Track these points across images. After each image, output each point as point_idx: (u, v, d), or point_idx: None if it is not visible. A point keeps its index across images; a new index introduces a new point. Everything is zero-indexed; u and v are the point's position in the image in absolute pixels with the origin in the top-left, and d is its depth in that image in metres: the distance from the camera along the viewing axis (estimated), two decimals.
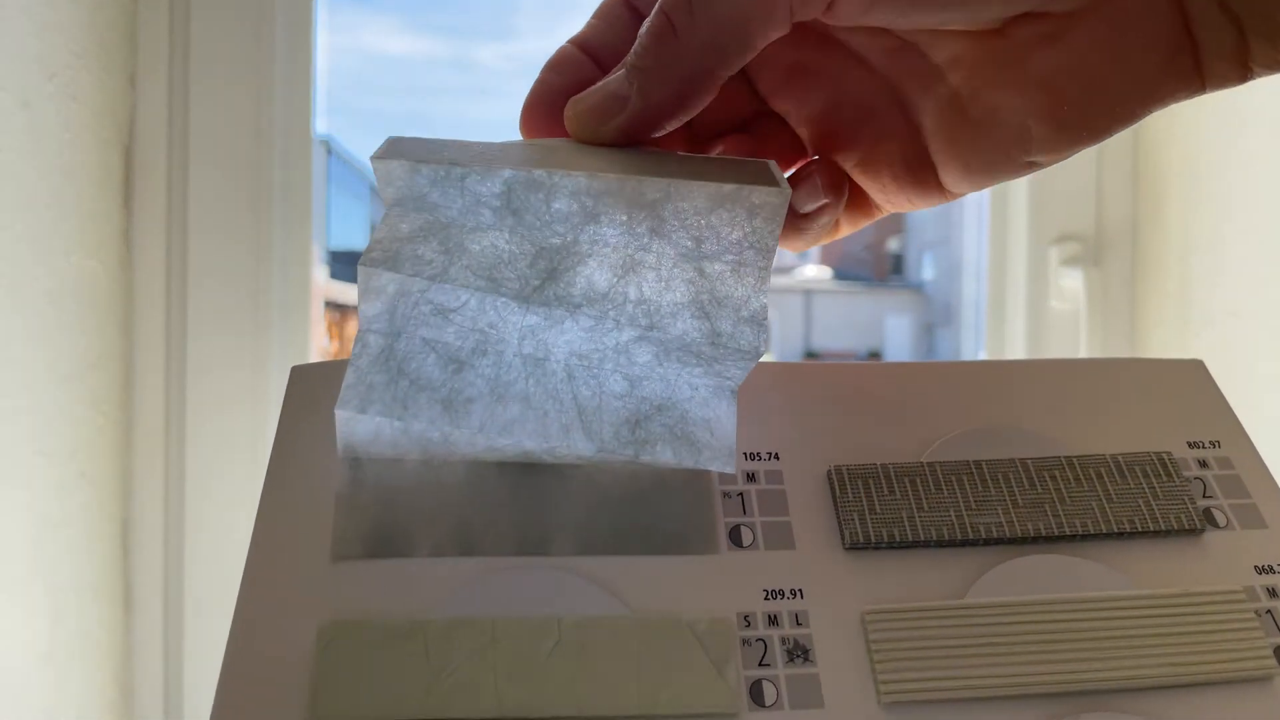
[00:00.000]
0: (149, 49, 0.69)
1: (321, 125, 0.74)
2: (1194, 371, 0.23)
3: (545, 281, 0.18)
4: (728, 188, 0.18)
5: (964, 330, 0.98)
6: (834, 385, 0.22)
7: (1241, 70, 0.18)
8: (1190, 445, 0.21)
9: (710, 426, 0.19)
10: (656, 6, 0.19)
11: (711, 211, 0.18)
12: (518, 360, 0.18)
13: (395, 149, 0.19)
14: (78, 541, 0.63)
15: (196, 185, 0.70)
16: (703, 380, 0.19)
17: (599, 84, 0.20)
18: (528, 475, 0.19)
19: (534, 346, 0.18)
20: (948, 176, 0.21)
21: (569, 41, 0.22)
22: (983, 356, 0.79)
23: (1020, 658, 0.17)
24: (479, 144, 0.20)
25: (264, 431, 0.71)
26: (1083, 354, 0.73)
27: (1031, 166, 0.20)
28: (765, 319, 0.19)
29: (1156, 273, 0.73)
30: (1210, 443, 0.21)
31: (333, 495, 0.19)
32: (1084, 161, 0.73)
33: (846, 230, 0.24)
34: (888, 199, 0.23)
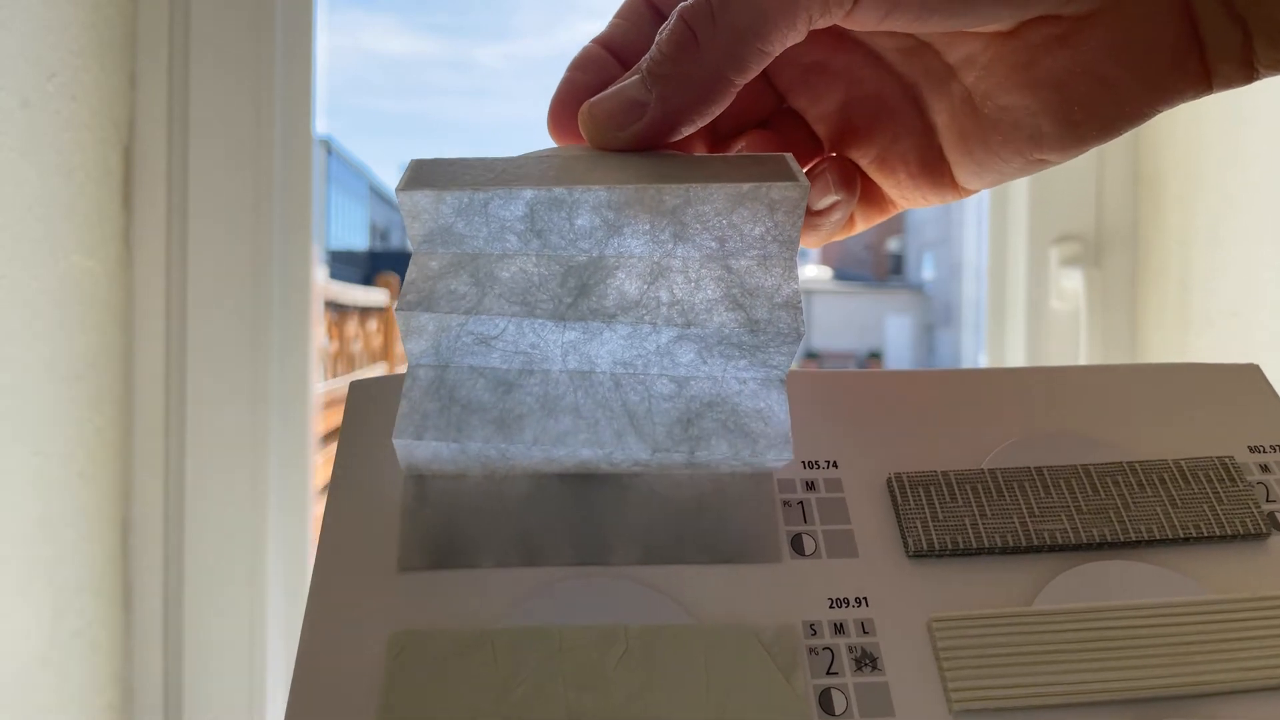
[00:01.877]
0: (149, 49, 0.69)
1: (321, 125, 0.74)
2: (1250, 375, 0.23)
3: (578, 298, 0.19)
4: (746, 186, 0.19)
5: (964, 330, 0.98)
6: (889, 393, 0.22)
7: (1247, 71, 0.19)
8: (1251, 450, 0.21)
9: (763, 416, 0.19)
10: (676, 14, 0.19)
11: (732, 211, 0.19)
12: (564, 375, 0.19)
13: (419, 176, 0.19)
14: (77, 542, 0.63)
15: (196, 185, 0.70)
16: (749, 373, 0.19)
17: (613, 89, 0.20)
18: (588, 486, 0.19)
19: (578, 360, 0.19)
20: (961, 173, 0.22)
21: (593, 41, 0.22)
22: (983, 357, 0.79)
23: (1090, 664, 0.17)
24: (499, 160, 0.20)
25: (264, 431, 0.71)
26: (1083, 354, 0.73)
27: (1043, 164, 0.21)
28: (799, 304, 0.19)
29: (1156, 273, 0.73)
30: (1271, 447, 0.21)
31: (396, 507, 0.19)
32: (1084, 162, 0.73)
33: (862, 226, 0.24)
34: (902, 195, 0.23)
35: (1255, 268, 0.63)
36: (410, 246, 0.20)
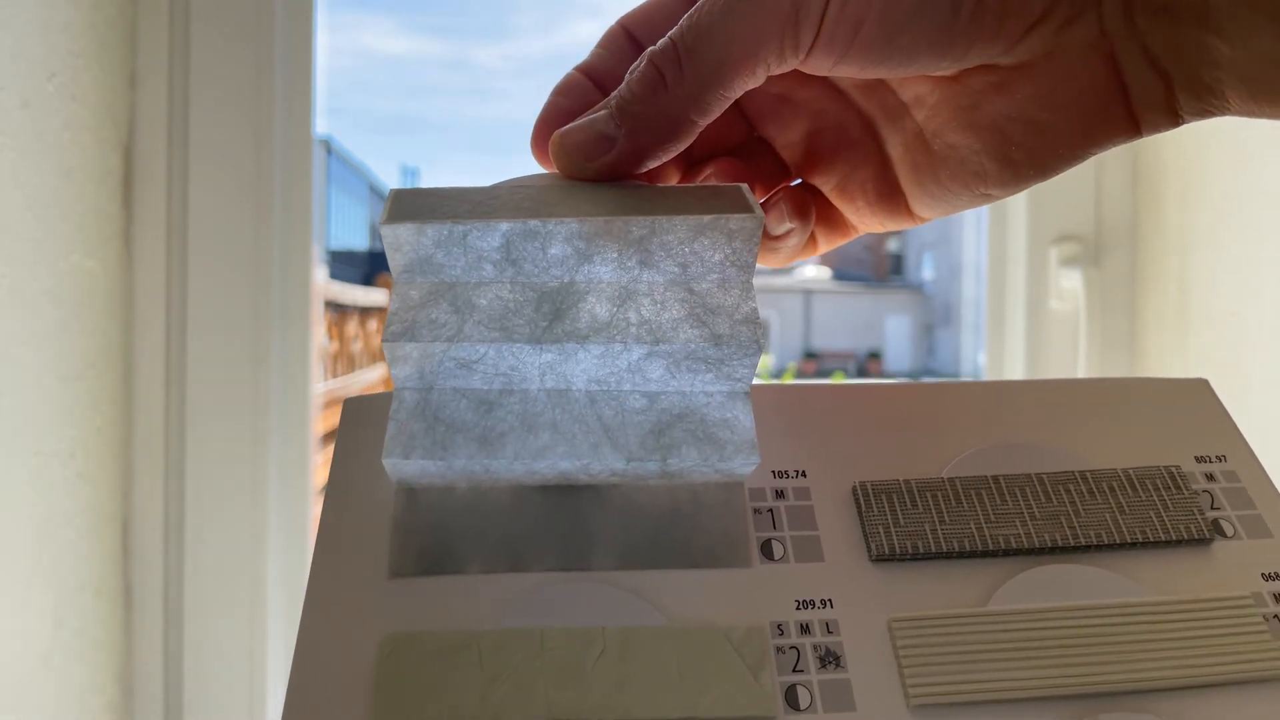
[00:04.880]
0: (149, 49, 0.69)
1: (321, 125, 0.74)
2: (1199, 389, 0.24)
3: (552, 322, 0.20)
4: (706, 218, 0.20)
5: (964, 330, 0.98)
6: (856, 406, 0.23)
7: (1173, 118, 0.20)
8: (1198, 460, 0.22)
9: (730, 425, 0.20)
10: (646, 55, 0.21)
11: (694, 240, 0.20)
12: (542, 394, 0.20)
13: (400, 209, 0.20)
14: (78, 541, 0.63)
15: (196, 185, 0.70)
16: (715, 386, 0.20)
17: (584, 120, 0.21)
18: (569, 496, 0.20)
19: (554, 380, 0.20)
20: (915, 203, 0.23)
21: (575, 68, 0.24)
22: (982, 357, 0.79)
23: (1042, 661, 0.18)
24: (475, 191, 0.21)
25: (264, 431, 0.71)
26: (1082, 354, 0.73)
27: (988, 198, 0.22)
28: (758, 320, 0.20)
29: (1156, 273, 0.73)
30: (1217, 457, 0.22)
31: (387, 519, 0.20)
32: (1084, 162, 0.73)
33: (825, 248, 0.26)
34: (861, 220, 0.25)
35: (1255, 268, 0.63)
36: (393, 273, 0.21)
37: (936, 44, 0.19)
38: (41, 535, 0.59)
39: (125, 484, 0.70)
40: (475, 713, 0.17)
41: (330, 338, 2.10)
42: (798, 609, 0.19)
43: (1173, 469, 0.21)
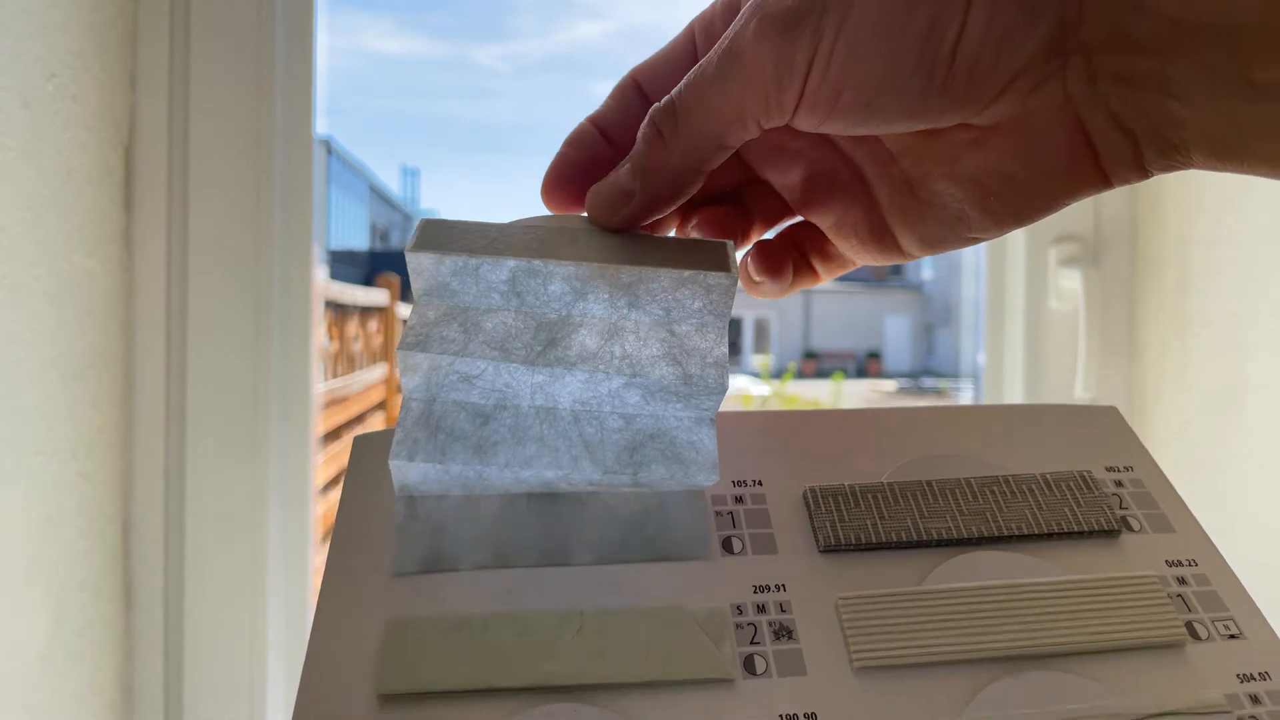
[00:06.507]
0: (149, 49, 0.69)
1: (321, 126, 0.75)
2: (1110, 415, 0.27)
3: (547, 348, 0.22)
4: (687, 273, 0.23)
5: (963, 330, 0.98)
6: (807, 428, 0.26)
7: (1140, 172, 0.21)
8: (1108, 469, 0.25)
9: (695, 447, 0.23)
10: (648, 115, 0.23)
11: (676, 289, 0.23)
12: (531, 411, 0.23)
13: (424, 238, 0.23)
14: (78, 541, 0.63)
15: (196, 185, 0.70)
16: (684, 414, 0.23)
17: (609, 178, 0.24)
18: (551, 503, 0.23)
19: (544, 399, 0.23)
20: (904, 242, 0.25)
21: (587, 119, 0.26)
22: (982, 357, 0.79)
23: (970, 630, 0.21)
24: (492, 226, 0.24)
25: (264, 431, 0.71)
26: (1081, 354, 0.73)
27: (973, 240, 0.24)
28: (726, 364, 0.23)
29: (1155, 272, 0.73)
30: (1124, 467, 0.25)
31: (391, 530, 0.22)
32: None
33: (826, 278, 0.28)
34: (857, 255, 0.27)
35: (1255, 268, 0.63)
36: (414, 295, 0.23)
37: (912, 109, 0.21)
38: (41, 535, 0.59)
39: (125, 484, 0.70)
40: (467, 681, 0.19)
41: (330, 337, 2.10)
42: (754, 593, 0.22)
43: (1085, 473, 0.24)
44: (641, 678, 0.20)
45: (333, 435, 2.06)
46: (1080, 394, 0.73)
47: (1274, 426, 0.61)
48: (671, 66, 0.25)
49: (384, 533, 0.22)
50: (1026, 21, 0.19)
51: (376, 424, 2.59)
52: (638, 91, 0.26)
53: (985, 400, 0.78)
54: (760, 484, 0.24)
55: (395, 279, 2.78)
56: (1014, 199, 0.22)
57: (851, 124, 0.21)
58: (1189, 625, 0.21)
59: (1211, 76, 0.18)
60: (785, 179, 0.27)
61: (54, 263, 0.60)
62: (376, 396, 2.58)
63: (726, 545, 0.23)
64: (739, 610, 0.21)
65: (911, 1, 0.20)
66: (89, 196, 0.64)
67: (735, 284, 0.23)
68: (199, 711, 0.71)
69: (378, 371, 2.61)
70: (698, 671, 0.20)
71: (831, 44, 0.20)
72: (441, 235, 0.23)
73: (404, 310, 2.92)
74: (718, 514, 0.23)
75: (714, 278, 0.23)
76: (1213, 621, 0.21)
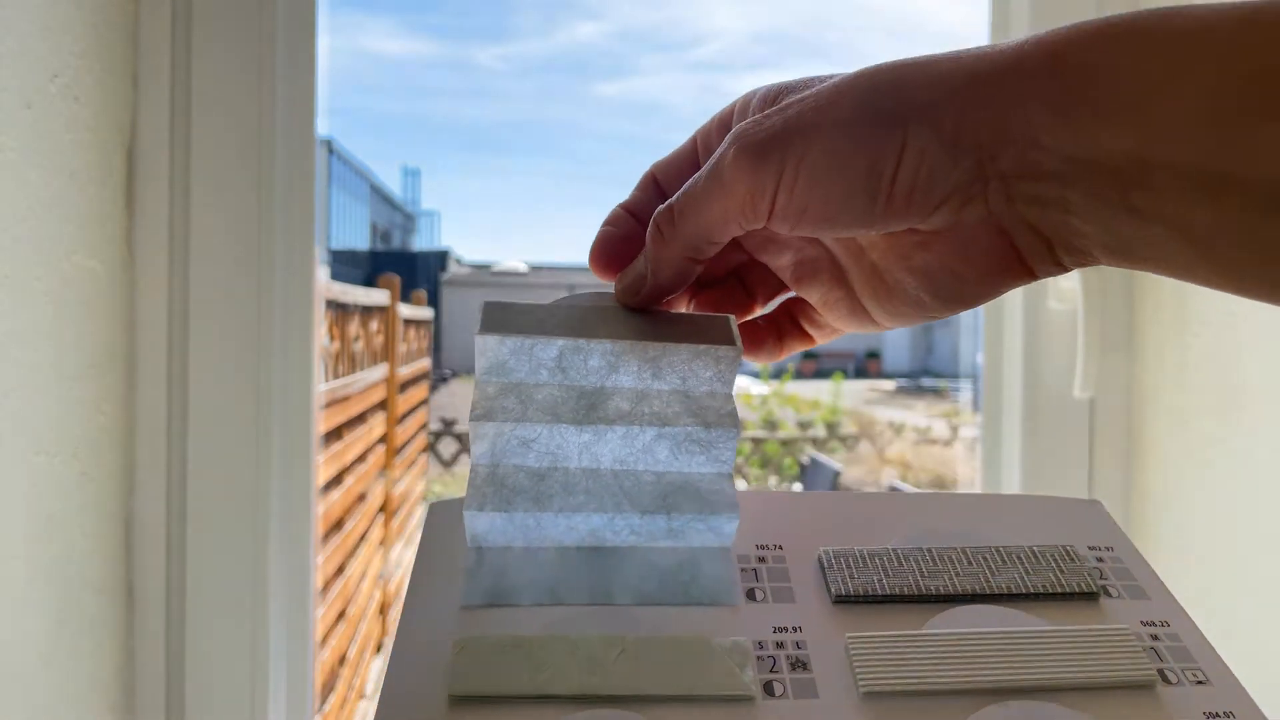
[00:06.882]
0: (151, 50, 0.69)
1: (322, 126, 0.75)
2: (1093, 507, 0.31)
3: (589, 411, 0.27)
4: (701, 347, 0.28)
5: (962, 331, 0.98)
6: (825, 506, 0.30)
7: (1059, 267, 0.26)
8: (1090, 548, 0.28)
9: (717, 493, 0.27)
10: (654, 217, 0.28)
11: (691, 361, 0.28)
12: (579, 471, 0.27)
13: (488, 321, 0.28)
14: (80, 540, 0.63)
15: (198, 186, 0.70)
16: (707, 468, 0.27)
17: (630, 267, 0.30)
18: (598, 554, 0.27)
19: (589, 460, 0.27)
20: (877, 317, 0.30)
21: (620, 205, 0.32)
22: (981, 357, 0.79)
23: (962, 666, 0.24)
24: (540, 308, 0.29)
25: (266, 431, 0.71)
26: (1080, 355, 0.73)
27: (932, 318, 0.29)
28: (737, 414, 0.28)
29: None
30: (1106, 547, 0.28)
31: (460, 574, 0.26)
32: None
33: (819, 342, 0.33)
34: (840, 325, 0.32)
35: None
36: (476, 374, 0.28)
37: (863, 221, 0.25)
38: (44, 534, 0.59)
39: (127, 483, 0.70)
40: (524, 688, 0.23)
41: (332, 337, 2.10)
42: (774, 632, 0.25)
43: (1068, 547, 0.28)
44: (674, 691, 0.23)
45: (334, 435, 2.06)
46: (1079, 394, 0.74)
47: (1272, 426, 0.62)
48: (679, 166, 0.31)
49: (453, 578, 0.26)
50: (951, 159, 0.24)
51: (377, 424, 2.59)
52: (655, 183, 0.32)
53: (984, 400, 0.79)
54: (780, 547, 0.28)
55: (396, 279, 2.78)
56: (958, 289, 0.27)
57: (816, 231, 0.26)
58: (1160, 672, 0.24)
59: (1101, 201, 0.23)
60: (778, 262, 0.32)
61: (56, 263, 0.60)
62: (377, 396, 2.58)
63: (750, 595, 0.26)
64: (760, 645, 0.25)
65: (856, 145, 0.24)
66: (91, 197, 0.64)
67: (740, 355, 0.28)
68: (200, 710, 0.71)
69: (378, 371, 2.61)
70: (723, 689, 0.23)
71: (794, 173, 0.25)
72: (501, 318, 0.28)
73: (404, 310, 2.92)
74: (743, 570, 0.27)
75: (723, 350, 0.28)
76: (1182, 670, 0.24)
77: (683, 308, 0.33)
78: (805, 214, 0.25)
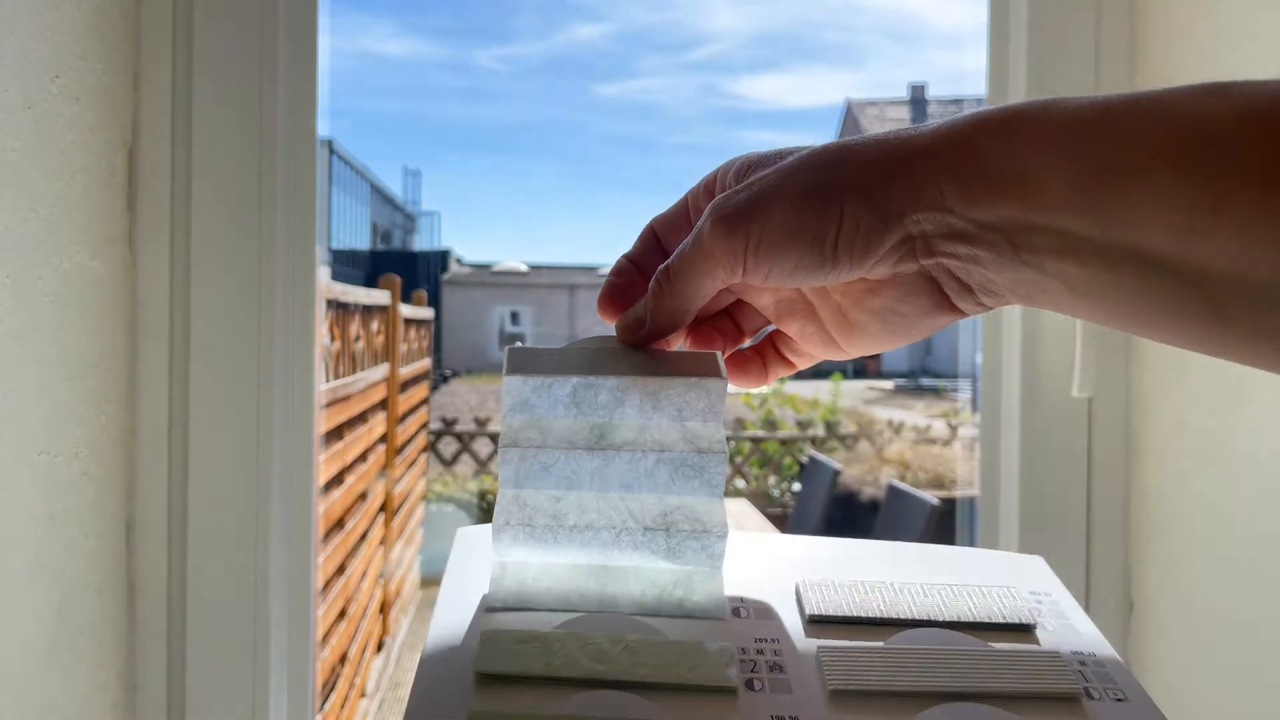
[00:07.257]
0: (152, 50, 0.70)
1: (323, 127, 0.75)
2: (1034, 561, 0.36)
3: (599, 440, 0.32)
4: (693, 379, 0.32)
5: (961, 331, 0.98)
6: (794, 551, 0.37)
7: (981, 307, 0.32)
8: (1031, 592, 0.33)
9: (710, 512, 0.32)
10: (656, 274, 0.34)
11: (685, 393, 0.32)
12: (590, 494, 0.32)
13: (514, 364, 0.33)
14: (81, 540, 0.64)
15: (200, 186, 0.70)
16: (700, 492, 0.32)
17: (631, 310, 0.35)
18: (606, 571, 0.32)
19: (600, 484, 0.32)
20: (846, 347, 0.36)
21: (623, 256, 0.37)
22: (979, 357, 0.79)
23: (917, 673, 0.28)
24: (556, 351, 0.34)
25: (267, 430, 0.71)
26: (1079, 355, 0.73)
27: (888, 348, 0.35)
28: (724, 440, 0.32)
29: None
30: (1045, 593, 0.34)
31: (487, 584, 0.32)
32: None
33: (801, 367, 0.39)
34: (817, 354, 0.38)
35: None
36: (502, 410, 0.33)
37: (818, 275, 0.31)
38: (45, 534, 0.59)
39: (129, 483, 0.70)
40: (540, 671, 0.27)
41: (333, 337, 2.10)
42: (755, 642, 0.30)
43: (1010, 587, 0.33)
44: (669, 680, 0.27)
45: (334, 434, 2.07)
46: (1077, 394, 0.74)
47: (1271, 426, 0.62)
48: (674, 222, 0.37)
49: (479, 589, 0.32)
50: (880, 225, 0.30)
51: (378, 423, 2.59)
52: (654, 236, 0.37)
53: (983, 400, 0.79)
54: (760, 590, 0.33)
55: (396, 279, 2.78)
56: (902, 327, 0.34)
57: (781, 283, 0.32)
58: (1085, 689, 0.28)
59: (1002, 257, 0.29)
60: (761, 302, 0.38)
61: (57, 263, 0.60)
62: (378, 395, 2.58)
63: (736, 612, 0.31)
64: (743, 651, 0.29)
65: (802, 214, 0.30)
66: (92, 197, 0.64)
67: (726, 387, 0.33)
68: (202, 708, 0.71)
69: (379, 371, 2.61)
70: (711, 681, 0.27)
71: (758, 241, 0.31)
72: (523, 360, 0.33)
73: (405, 310, 2.92)
74: (729, 595, 0.32)
75: (711, 382, 0.32)
76: (1104, 690, 0.28)
77: (682, 339, 0.38)
78: (771, 271, 0.31)
